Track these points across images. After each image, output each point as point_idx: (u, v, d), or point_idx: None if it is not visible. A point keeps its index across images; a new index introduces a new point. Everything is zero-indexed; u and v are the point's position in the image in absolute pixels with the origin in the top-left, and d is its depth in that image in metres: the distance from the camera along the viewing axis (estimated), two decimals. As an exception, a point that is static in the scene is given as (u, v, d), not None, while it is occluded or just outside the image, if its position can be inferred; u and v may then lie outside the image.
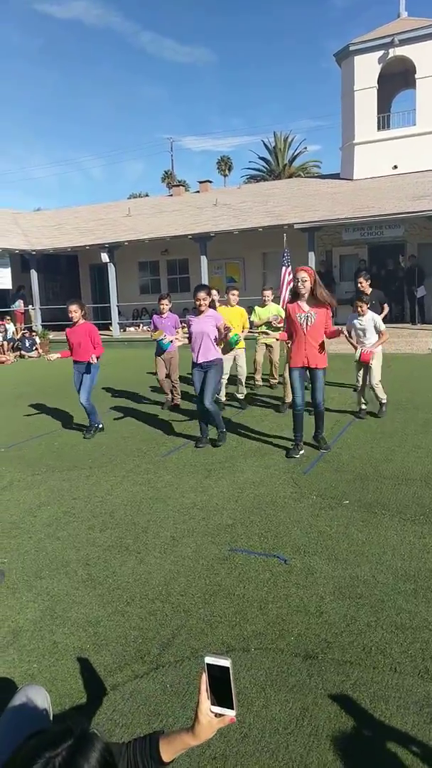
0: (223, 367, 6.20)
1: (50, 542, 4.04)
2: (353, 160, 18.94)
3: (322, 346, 5.47)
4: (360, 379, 7.16)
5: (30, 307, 19.37)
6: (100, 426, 7.04)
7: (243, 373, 8.02)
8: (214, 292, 8.78)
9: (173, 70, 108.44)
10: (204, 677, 1.32)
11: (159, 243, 17.69)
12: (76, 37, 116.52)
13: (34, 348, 16.79)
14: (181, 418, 7.59)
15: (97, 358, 6.77)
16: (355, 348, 6.97)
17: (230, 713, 1.32)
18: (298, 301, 5.47)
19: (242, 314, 8.06)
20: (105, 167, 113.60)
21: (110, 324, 18.41)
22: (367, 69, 18.10)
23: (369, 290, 7.75)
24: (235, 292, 8.15)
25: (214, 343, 6.02)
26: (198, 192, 24.55)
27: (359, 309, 6.86)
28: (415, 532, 3.89)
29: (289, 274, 13.03)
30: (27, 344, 16.80)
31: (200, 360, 6.01)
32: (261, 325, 8.67)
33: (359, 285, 7.75)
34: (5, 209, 25.85)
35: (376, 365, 6.99)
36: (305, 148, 44.96)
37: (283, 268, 13.54)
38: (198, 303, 5.93)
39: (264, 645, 2.77)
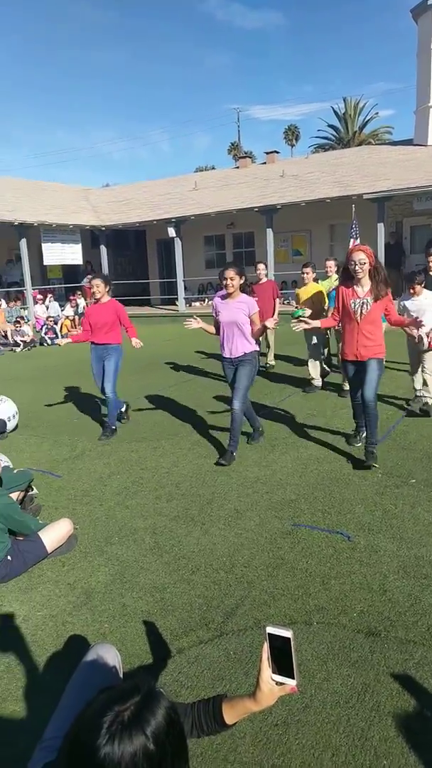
0: (258, 361, 5.21)
1: (119, 510, 4.21)
2: (428, 123, 18.00)
3: (377, 336, 4.70)
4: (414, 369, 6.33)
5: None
6: (115, 428, 6.12)
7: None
8: (261, 266, 8.68)
9: (242, 37, 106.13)
10: (266, 646, 1.36)
11: (225, 216, 17.61)
12: (142, 7, 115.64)
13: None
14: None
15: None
16: (413, 337, 5.91)
17: (291, 682, 1.36)
18: (354, 285, 4.68)
19: (314, 290, 7.43)
20: (172, 140, 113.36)
21: (176, 299, 18.60)
22: (446, 25, 17.03)
23: None
24: (308, 270, 7.53)
25: (248, 335, 5.01)
26: (264, 163, 24.13)
27: (411, 290, 6.04)
28: None
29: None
30: (96, 319, 17.24)
31: (230, 354, 5.08)
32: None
33: (429, 260, 6.69)
34: (75, 186, 26.39)
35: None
36: (377, 113, 43.19)
37: (351, 240, 13.18)
38: (225, 283, 4.94)
39: (326, 620, 2.80)
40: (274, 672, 1.37)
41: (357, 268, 4.53)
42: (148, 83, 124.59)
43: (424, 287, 6.35)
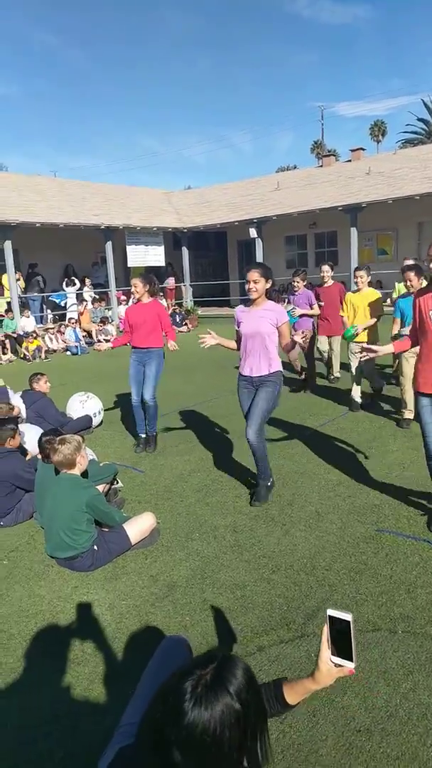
0: (281, 385, 4.26)
1: (200, 507, 4.27)
2: None
3: None
4: None
5: (182, 284, 20.19)
6: (156, 434, 5.78)
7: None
8: (326, 267, 7.77)
9: (328, 32, 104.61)
10: (326, 628, 1.43)
11: (307, 216, 17.41)
12: (228, 9, 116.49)
13: (183, 323, 17.53)
14: (323, 394, 7.50)
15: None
16: None
17: (349, 665, 1.41)
18: None
19: (372, 298, 6.45)
20: (253, 141, 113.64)
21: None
22: None
23: None
24: (361, 273, 6.57)
25: (274, 350, 4.17)
26: (349, 161, 23.62)
27: None
28: None
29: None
30: (177, 319, 17.58)
31: (252, 372, 4.18)
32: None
33: None
34: (157, 189, 27.02)
35: None
36: (471, 104, 41.01)
37: (441, 238, 12.65)
38: (248, 287, 4.09)
39: (412, 629, 2.71)
40: (333, 654, 1.42)
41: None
42: (231, 86, 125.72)
43: None
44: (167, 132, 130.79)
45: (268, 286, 4.14)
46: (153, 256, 18.72)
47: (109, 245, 16.97)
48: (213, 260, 23.09)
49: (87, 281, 17.69)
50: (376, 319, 6.40)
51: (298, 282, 7.70)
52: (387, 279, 16.73)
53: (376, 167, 19.21)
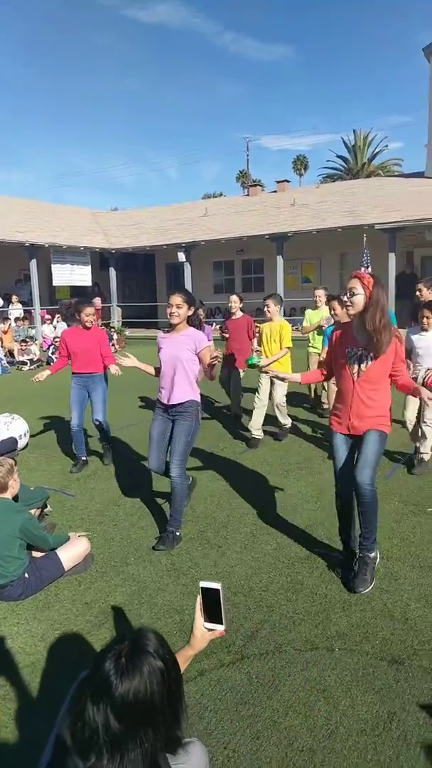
0: (199, 416, 4.10)
1: (134, 531, 4.20)
2: (438, 158, 18.31)
3: (380, 403, 3.31)
4: (407, 416, 5.41)
5: (109, 304, 19.99)
6: (85, 459, 5.78)
7: (280, 401, 6.36)
8: (234, 298, 7.17)
9: (255, 69, 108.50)
10: (199, 599, 1.65)
11: (235, 243, 17.83)
12: (160, 40, 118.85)
13: (111, 344, 17.31)
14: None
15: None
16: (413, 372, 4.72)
17: (220, 628, 1.66)
18: (354, 328, 3.31)
19: (281, 329, 6.20)
20: (180, 168, 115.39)
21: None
22: (456, 63, 17.43)
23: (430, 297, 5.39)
24: (269, 302, 6.35)
25: (192, 377, 4.02)
26: (275, 192, 24.50)
27: (426, 321, 5.03)
28: None
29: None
30: (104, 340, 17.36)
31: (168, 400, 3.98)
32: (312, 331, 7.49)
33: (417, 293, 5.52)
34: (84, 208, 26.79)
35: None
36: (386, 146, 43.87)
37: (362, 268, 13.34)
38: (170, 311, 3.95)
39: (348, 646, 2.77)
40: (205, 620, 1.65)
41: (346, 299, 3.26)
42: (160, 111, 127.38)
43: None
44: (93, 150, 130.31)
45: (190, 313, 4.01)
46: (79, 275, 18.48)
47: (33, 263, 16.59)
48: (141, 282, 23.09)
49: (14, 298, 17.14)
50: (285, 351, 6.18)
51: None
52: (311, 306, 17.37)
53: (300, 199, 20.04)
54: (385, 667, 2.61)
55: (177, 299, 3.93)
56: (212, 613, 1.62)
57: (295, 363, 6.53)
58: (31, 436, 6.62)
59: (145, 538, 4.07)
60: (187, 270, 18.16)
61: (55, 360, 7.33)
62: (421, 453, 5.27)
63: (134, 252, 19.94)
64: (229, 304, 7.48)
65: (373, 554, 3.32)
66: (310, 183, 43.66)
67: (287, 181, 24.78)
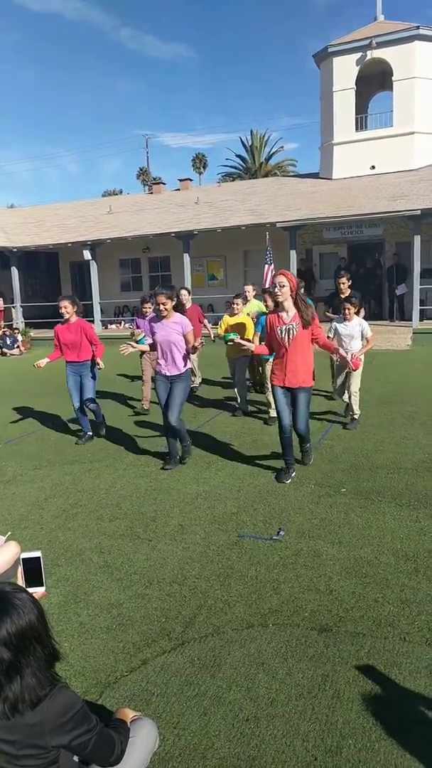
0: (190, 379, 5.67)
1: (62, 533, 4.17)
2: (332, 159, 19.26)
3: (306, 363, 4.84)
4: (338, 384, 6.95)
5: (11, 305, 19.24)
6: (103, 419, 6.75)
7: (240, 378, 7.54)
8: (184, 292, 8.50)
9: (153, 66, 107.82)
10: (20, 569, 1.90)
11: (141, 240, 17.78)
12: (54, 31, 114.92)
13: (15, 345, 16.73)
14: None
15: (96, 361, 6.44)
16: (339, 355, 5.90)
17: (41, 590, 1.88)
18: (279, 312, 4.80)
19: (246, 323, 7.34)
20: (79, 164, 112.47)
21: (92, 321, 18.40)
22: (345, 70, 18.41)
23: (348, 292, 7.05)
24: (238, 301, 7.48)
25: (183, 353, 5.33)
26: (178, 190, 24.64)
27: (348, 312, 6.39)
28: (410, 516, 4.12)
29: (272, 271, 13.31)
30: (8, 342, 16.73)
31: (167, 372, 5.37)
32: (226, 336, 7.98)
33: (340, 285, 7.16)
34: (-18, 205, 25.58)
35: (358, 372, 6.51)
36: (281, 147, 45.45)
37: (266, 265, 13.81)
38: (159, 308, 5.19)
39: (281, 621, 2.96)
40: (27, 586, 1.84)
41: (276, 290, 4.71)
42: (57, 105, 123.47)
43: (332, 311, 7.12)
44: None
45: (174, 303, 5.29)
46: (-22, 275, 17.63)
47: None
48: (44, 281, 22.40)
49: None
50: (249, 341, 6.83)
51: (147, 308, 7.88)
52: (217, 303, 17.70)
53: (203, 197, 20.32)
54: (315, 636, 2.82)
55: (162, 298, 5.14)
56: (33, 579, 1.88)
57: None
58: None
59: (73, 538, 4.06)
60: (93, 268, 17.88)
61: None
62: (353, 414, 6.59)
63: (37, 250, 19.31)
64: (181, 298, 8.17)
65: (308, 444, 5.22)
66: (210, 181, 44.31)
67: (190, 180, 25.04)
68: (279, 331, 4.74)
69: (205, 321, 9.13)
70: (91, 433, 6.59)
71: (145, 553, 3.78)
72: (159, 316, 5.31)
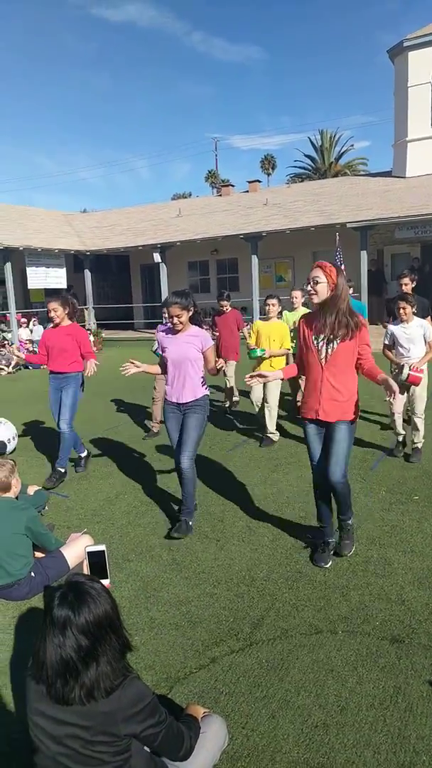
0: (208, 409, 4.23)
1: (132, 529, 4.27)
2: (406, 157, 18.73)
3: (347, 388, 3.42)
4: (394, 409, 5.56)
5: (84, 306, 19.91)
6: (64, 471, 5.45)
7: (273, 404, 6.27)
8: (224, 303, 7.76)
9: (223, 69, 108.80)
10: (85, 562, 2.00)
11: (209, 243, 17.94)
12: (128, 40, 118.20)
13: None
14: (240, 415, 7.77)
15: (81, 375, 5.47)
16: (397, 365, 5.34)
17: (105, 582, 1.89)
18: (319, 318, 3.40)
19: (281, 330, 6.27)
20: (149, 168, 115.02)
21: (160, 323, 18.75)
22: (421, 65, 17.86)
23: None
24: (273, 302, 6.39)
25: (200, 375, 4.15)
26: (247, 191, 24.68)
27: (403, 312, 5.34)
28: None
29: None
30: (81, 342, 17.27)
31: (179, 399, 4.12)
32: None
33: (402, 287, 6.05)
34: (57, 211, 26.59)
35: (421, 390, 5.40)
36: (352, 145, 44.57)
37: (336, 267, 13.57)
38: (172, 322, 4.03)
39: (350, 628, 2.91)
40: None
41: (309, 287, 3.38)
42: (128, 112, 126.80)
43: (393, 319, 5.85)
44: (60, 152, 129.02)
45: (190, 314, 4.06)
46: (54, 278, 18.33)
47: (8, 267, 16.42)
48: (115, 284, 23.02)
49: None
50: (288, 350, 6.22)
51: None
52: (285, 305, 17.57)
53: (272, 199, 20.26)
54: (386, 646, 2.75)
55: (175, 310, 3.96)
56: (98, 572, 1.94)
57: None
58: (20, 439, 6.64)
59: (143, 535, 4.15)
60: (163, 271, 18.20)
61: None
62: (416, 443, 5.55)
63: (108, 254, 19.89)
64: (221, 305, 8.02)
65: (350, 520, 3.69)
66: (279, 183, 44.09)
67: (258, 181, 25.00)
68: (314, 343, 3.43)
69: (245, 329, 7.65)
70: (64, 470, 5.41)
71: (212, 553, 3.81)
72: (173, 330, 4.15)
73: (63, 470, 5.43)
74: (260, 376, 3.65)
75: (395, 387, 3.20)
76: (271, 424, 6.29)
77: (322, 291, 3.31)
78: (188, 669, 2.66)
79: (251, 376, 3.67)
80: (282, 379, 4.01)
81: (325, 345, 3.37)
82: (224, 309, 8.01)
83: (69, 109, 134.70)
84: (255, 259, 16.62)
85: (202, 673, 2.63)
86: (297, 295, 7.48)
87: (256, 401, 6.41)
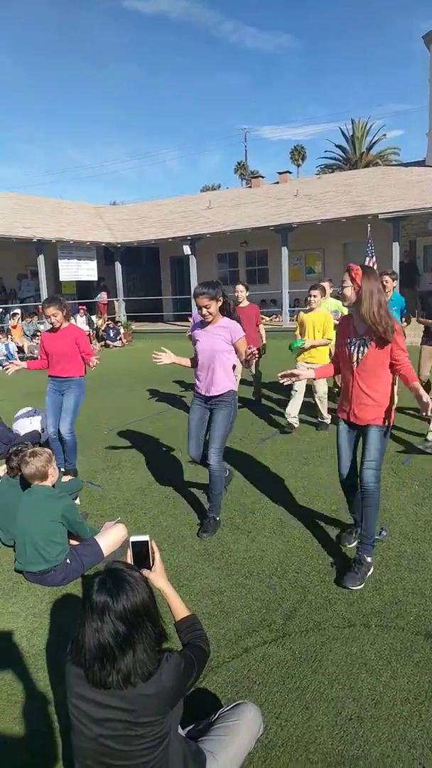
0: (236, 405, 4.22)
1: (164, 519, 4.32)
2: (440, 146, 18.32)
3: (380, 393, 3.33)
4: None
5: (114, 298, 20.08)
6: (75, 468, 5.34)
7: (321, 393, 6.46)
8: (240, 287, 7.22)
9: (254, 59, 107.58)
10: (129, 551, 2.02)
11: (239, 235, 17.88)
12: (159, 31, 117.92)
13: (118, 338, 17.44)
14: (269, 408, 7.75)
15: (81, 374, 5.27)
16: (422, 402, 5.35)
17: (147, 572, 1.98)
18: (354, 318, 3.37)
19: (325, 320, 6.36)
20: (179, 160, 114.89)
21: (189, 315, 18.79)
22: (457, 51, 17.41)
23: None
24: (316, 293, 6.46)
25: (229, 368, 4.10)
26: (277, 183, 24.49)
27: None
28: None
29: (374, 265, 12.91)
30: (111, 334, 17.46)
31: (208, 392, 4.08)
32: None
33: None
34: (88, 204, 26.81)
35: None
36: (384, 135, 43.63)
37: (367, 258, 13.39)
38: (203, 314, 3.99)
39: (384, 622, 2.89)
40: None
41: (341, 289, 3.34)
42: (159, 104, 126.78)
43: (427, 315, 5.92)
44: (91, 144, 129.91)
45: (220, 304, 4.02)
46: (85, 270, 18.54)
47: (41, 258, 16.65)
48: (144, 275, 23.14)
49: None
50: (328, 340, 6.26)
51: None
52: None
53: (303, 190, 20.06)
54: (421, 641, 2.73)
55: (203, 300, 3.92)
56: (140, 562, 1.99)
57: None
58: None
59: (175, 525, 4.19)
60: (192, 263, 18.22)
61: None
62: None
63: (138, 246, 19.99)
64: (236, 294, 7.39)
65: (369, 559, 3.35)
66: (308, 173, 43.62)
67: (289, 172, 24.80)
68: (349, 345, 3.36)
69: (261, 327, 7.64)
70: (63, 470, 5.11)
71: (244, 544, 3.83)
72: (203, 322, 4.12)
73: (74, 467, 5.34)
74: (292, 375, 3.64)
75: (430, 403, 3.06)
76: (323, 408, 6.52)
77: (349, 295, 3.26)
78: (221, 658, 2.68)
79: (284, 375, 3.63)
80: (314, 379, 3.90)
81: (356, 349, 3.32)
82: (240, 300, 7.36)
83: (100, 101, 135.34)
84: (285, 251, 16.51)
85: (235, 663, 2.65)
86: (326, 285, 7.36)
87: (297, 388, 6.43)
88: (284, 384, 3.91)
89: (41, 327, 16.64)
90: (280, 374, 3.65)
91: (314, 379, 3.85)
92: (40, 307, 17.12)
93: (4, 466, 4.40)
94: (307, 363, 6.40)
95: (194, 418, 4.18)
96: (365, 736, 2.19)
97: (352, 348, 3.33)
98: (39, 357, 5.43)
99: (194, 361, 4.20)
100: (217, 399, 4.07)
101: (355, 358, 3.32)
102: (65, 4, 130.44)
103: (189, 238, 17.82)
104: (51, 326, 5.19)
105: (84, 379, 5.35)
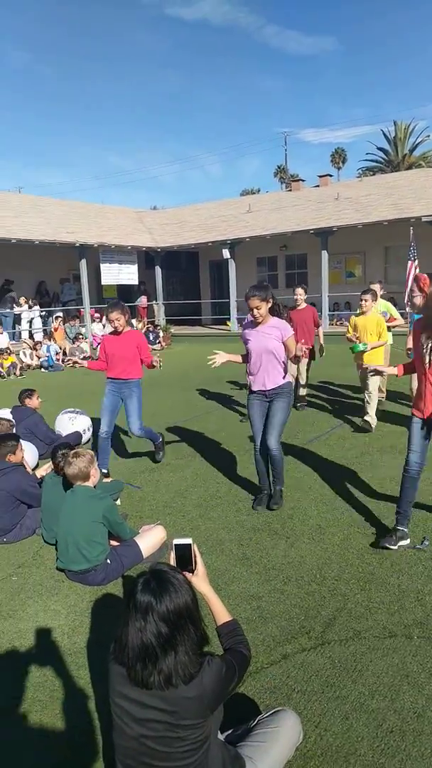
0: (292, 396, 4.61)
1: (203, 522, 4.33)
2: None
3: None
4: None
5: (154, 302, 20.29)
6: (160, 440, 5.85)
7: (372, 389, 6.49)
8: (300, 291, 7.58)
9: (296, 62, 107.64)
10: (172, 554, 1.99)
11: (278, 238, 17.83)
12: (202, 36, 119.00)
13: (157, 341, 17.60)
14: (310, 410, 7.69)
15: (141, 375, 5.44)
16: None
17: (190, 575, 1.97)
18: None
19: (378, 323, 6.61)
20: (219, 164, 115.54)
21: (228, 319, 18.83)
22: None
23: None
24: (367, 297, 6.73)
25: (282, 364, 4.41)
26: (317, 186, 24.33)
27: None
28: None
29: (416, 268, 12.66)
30: (151, 338, 17.63)
31: (264, 387, 4.40)
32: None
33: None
34: (129, 208, 27.18)
35: None
36: (428, 135, 42.84)
37: (409, 261, 13.15)
38: (253, 314, 4.31)
39: (426, 634, 2.83)
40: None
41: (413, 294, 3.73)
42: (200, 109, 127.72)
43: None
44: (133, 150, 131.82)
45: (269, 305, 4.30)
46: (126, 274, 18.80)
47: (83, 263, 16.97)
48: (184, 279, 23.31)
49: (23, 300, 16.79)
50: (383, 342, 6.60)
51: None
52: (354, 300, 17.23)
53: (343, 193, 19.86)
54: (466, 655, 2.66)
55: (255, 302, 4.22)
56: (183, 564, 1.98)
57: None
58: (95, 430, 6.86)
59: (213, 529, 4.20)
60: (231, 267, 18.26)
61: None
62: None
63: (178, 250, 20.16)
64: (295, 296, 7.84)
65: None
66: (349, 176, 43.15)
67: (329, 176, 24.61)
68: (422, 346, 3.58)
69: (320, 330, 7.97)
70: (106, 471, 5.34)
71: (282, 550, 3.81)
72: (254, 322, 4.43)
73: (160, 442, 5.83)
74: (376, 371, 4.20)
75: None
76: (370, 408, 6.50)
77: (419, 303, 3.71)
78: (260, 664, 2.67)
79: (369, 370, 4.23)
80: (397, 376, 4.16)
81: (428, 352, 3.54)
82: (299, 303, 7.78)
83: (142, 106, 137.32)
84: (325, 255, 16.38)
85: (273, 669, 2.63)
86: (376, 288, 7.51)
87: (372, 389, 6.49)
88: (370, 375, 4.56)
89: (83, 330, 16.95)
90: (367, 366, 4.43)
91: (397, 376, 4.18)
92: (81, 309, 17.45)
93: (48, 465, 4.51)
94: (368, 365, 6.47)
95: (255, 414, 4.52)
96: (407, 750, 2.15)
97: (424, 351, 3.58)
98: (99, 358, 5.58)
99: (245, 358, 4.57)
100: (274, 391, 4.41)
101: (426, 360, 3.57)
102: (107, 10, 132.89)
103: (228, 241, 17.87)
104: (114, 329, 5.38)
105: (141, 380, 5.50)
